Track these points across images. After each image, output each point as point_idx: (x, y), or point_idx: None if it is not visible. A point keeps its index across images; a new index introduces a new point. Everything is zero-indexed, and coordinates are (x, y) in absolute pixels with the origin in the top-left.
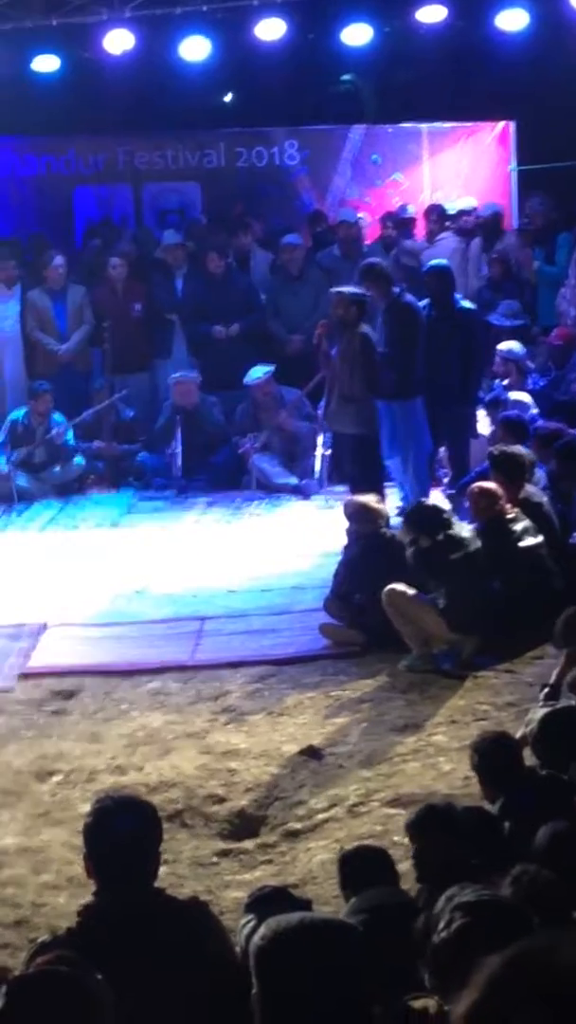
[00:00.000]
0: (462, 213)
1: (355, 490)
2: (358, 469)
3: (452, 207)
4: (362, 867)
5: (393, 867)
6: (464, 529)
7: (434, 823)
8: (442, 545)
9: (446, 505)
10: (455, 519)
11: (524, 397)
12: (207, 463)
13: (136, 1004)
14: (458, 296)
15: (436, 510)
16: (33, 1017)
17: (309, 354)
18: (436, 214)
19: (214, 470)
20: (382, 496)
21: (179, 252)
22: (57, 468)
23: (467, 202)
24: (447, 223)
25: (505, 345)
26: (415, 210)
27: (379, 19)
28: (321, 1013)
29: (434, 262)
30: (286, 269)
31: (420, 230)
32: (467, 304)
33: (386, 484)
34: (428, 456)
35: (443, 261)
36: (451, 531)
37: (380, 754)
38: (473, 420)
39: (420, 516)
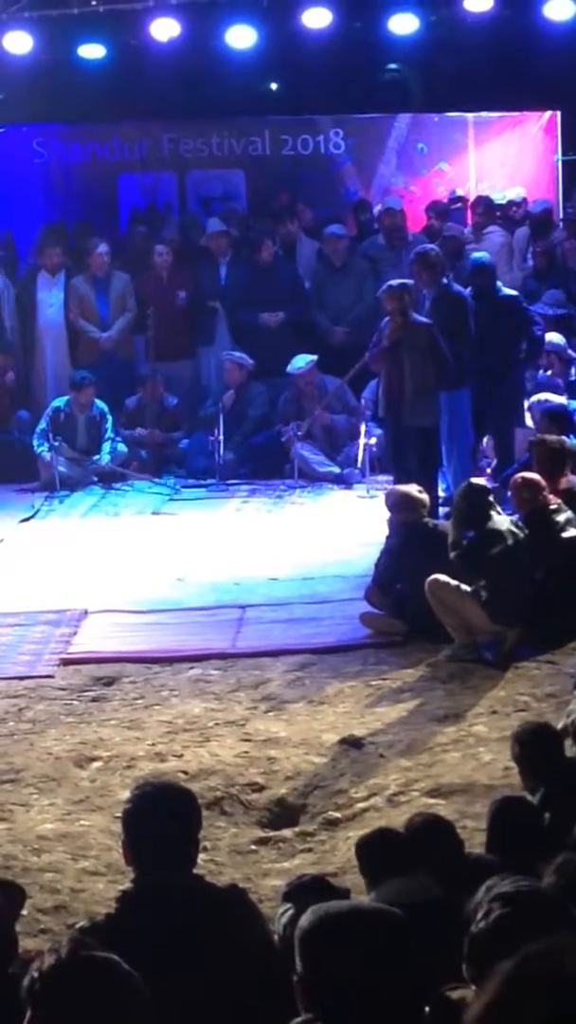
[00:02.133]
0: (512, 204)
1: (405, 480)
2: (427, 457)
3: (501, 197)
4: (382, 854)
5: (412, 853)
6: (504, 521)
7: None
8: (482, 542)
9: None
10: (496, 509)
11: (552, 395)
12: (247, 445)
13: (174, 990)
14: (499, 283)
15: (480, 496)
16: (65, 1002)
17: (353, 346)
18: (483, 206)
19: (254, 451)
20: (435, 487)
21: (223, 240)
22: (99, 455)
23: (516, 192)
24: (496, 213)
25: (546, 336)
26: (461, 192)
27: (426, 8)
28: (371, 1000)
29: (475, 256)
30: (329, 260)
31: (467, 221)
32: (509, 291)
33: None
34: (471, 447)
35: (484, 254)
36: (489, 526)
37: (420, 744)
38: (520, 409)
39: (462, 509)
